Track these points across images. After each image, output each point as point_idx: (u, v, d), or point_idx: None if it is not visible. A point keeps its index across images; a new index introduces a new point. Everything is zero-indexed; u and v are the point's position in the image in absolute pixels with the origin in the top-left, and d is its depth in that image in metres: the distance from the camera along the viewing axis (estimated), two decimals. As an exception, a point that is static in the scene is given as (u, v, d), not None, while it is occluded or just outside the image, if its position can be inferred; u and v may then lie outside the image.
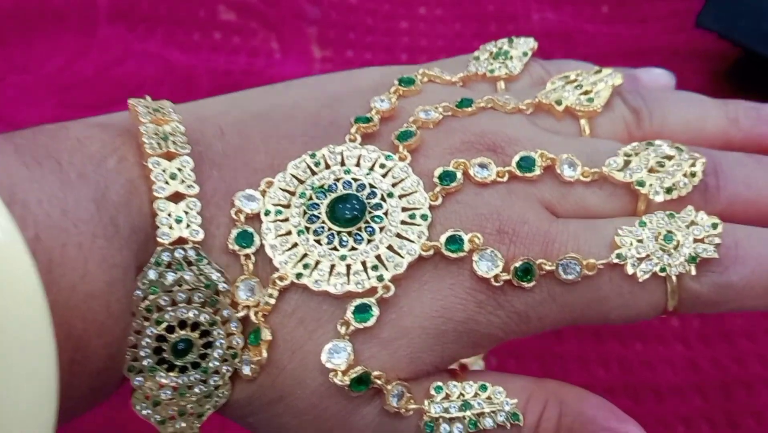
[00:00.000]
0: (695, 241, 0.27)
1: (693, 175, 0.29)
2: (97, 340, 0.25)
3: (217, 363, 0.27)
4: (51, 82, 0.47)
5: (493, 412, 0.27)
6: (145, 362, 0.26)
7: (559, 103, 0.31)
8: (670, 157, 0.29)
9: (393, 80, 0.31)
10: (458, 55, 0.35)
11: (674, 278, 0.27)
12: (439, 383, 0.27)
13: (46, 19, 0.47)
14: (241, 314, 0.27)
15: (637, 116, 0.32)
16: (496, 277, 0.27)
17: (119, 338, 0.25)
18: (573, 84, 0.32)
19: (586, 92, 0.32)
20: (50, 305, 0.23)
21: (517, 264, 0.27)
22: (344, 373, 0.26)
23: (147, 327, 0.26)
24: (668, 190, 0.29)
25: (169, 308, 0.26)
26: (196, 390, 0.27)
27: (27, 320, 0.21)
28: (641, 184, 0.29)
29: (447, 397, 0.27)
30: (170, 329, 0.26)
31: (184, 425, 0.27)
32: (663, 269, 0.27)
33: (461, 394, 0.27)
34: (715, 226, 0.28)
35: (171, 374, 0.26)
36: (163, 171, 0.26)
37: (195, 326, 0.26)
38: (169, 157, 0.27)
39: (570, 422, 0.28)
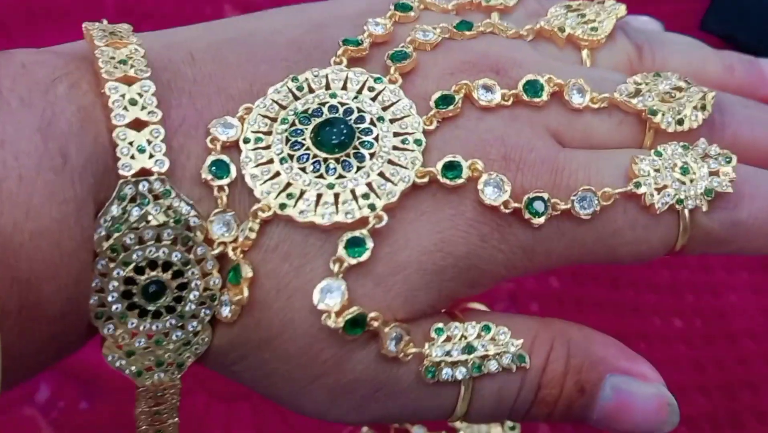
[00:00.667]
0: (710, 174, 0.25)
1: (703, 108, 0.26)
2: (49, 282, 0.21)
3: (194, 306, 0.23)
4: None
5: (498, 354, 0.24)
6: (113, 308, 0.22)
7: (561, 30, 0.28)
8: (680, 89, 0.27)
9: (381, 8, 0.27)
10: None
11: (687, 213, 0.25)
12: (440, 325, 0.24)
13: (52, 15, 0.44)
14: (216, 251, 0.23)
15: (639, 52, 0.29)
16: (505, 203, 0.23)
17: (76, 279, 0.21)
18: (575, 13, 0.29)
19: (588, 21, 0.29)
20: None
21: (531, 195, 0.24)
22: (338, 314, 0.22)
23: (113, 269, 0.22)
24: (679, 122, 0.26)
25: (136, 247, 0.22)
26: (173, 337, 0.23)
27: None
28: (654, 113, 0.26)
29: (448, 339, 0.24)
30: (139, 271, 0.22)
31: (163, 376, 0.23)
32: (680, 201, 0.25)
33: (463, 336, 0.24)
34: (728, 160, 0.25)
35: (144, 320, 0.22)
36: (122, 96, 0.22)
37: (166, 266, 0.22)
38: (128, 82, 0.23)
39: (579, 363, 0.25)
